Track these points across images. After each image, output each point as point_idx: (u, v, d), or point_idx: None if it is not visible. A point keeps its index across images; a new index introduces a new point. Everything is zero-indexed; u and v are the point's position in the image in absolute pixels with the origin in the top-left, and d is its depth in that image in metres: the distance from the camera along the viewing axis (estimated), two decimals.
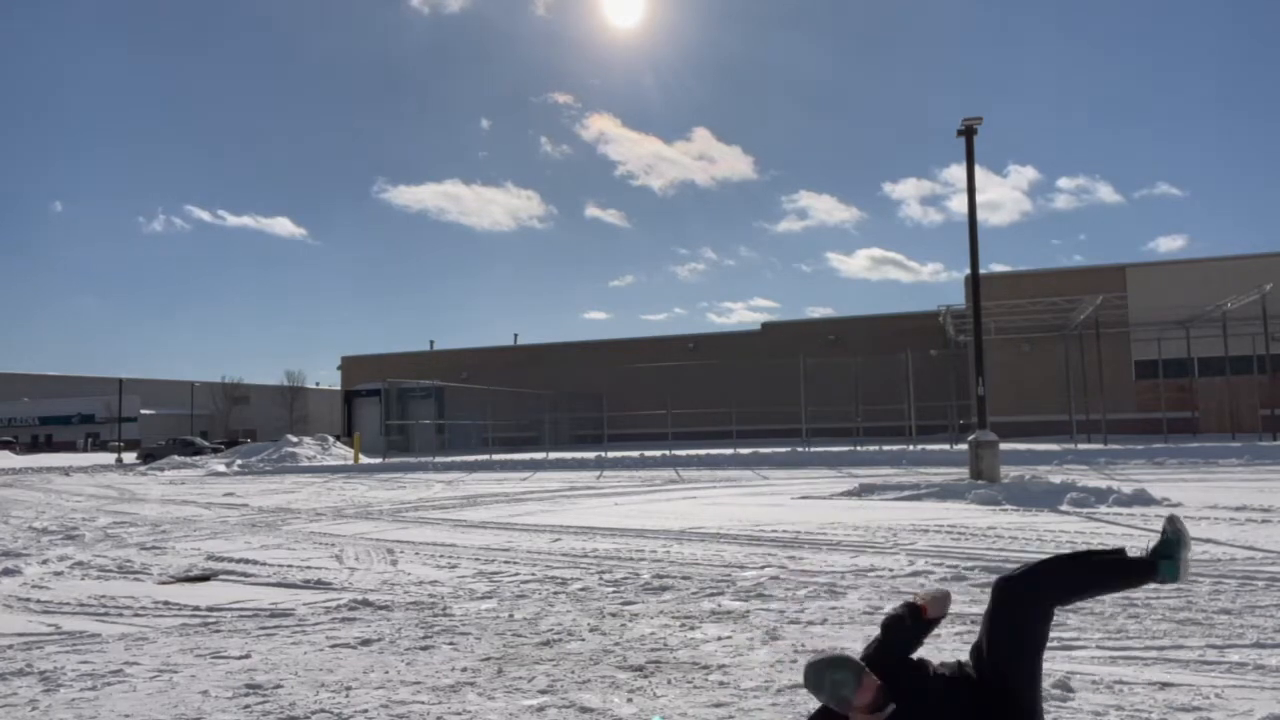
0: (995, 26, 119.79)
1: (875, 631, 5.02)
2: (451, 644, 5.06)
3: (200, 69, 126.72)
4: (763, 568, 7.35)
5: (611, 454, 28.79)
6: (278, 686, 4.28)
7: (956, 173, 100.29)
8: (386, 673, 4.49)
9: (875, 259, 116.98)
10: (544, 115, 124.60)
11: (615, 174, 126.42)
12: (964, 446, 18.88)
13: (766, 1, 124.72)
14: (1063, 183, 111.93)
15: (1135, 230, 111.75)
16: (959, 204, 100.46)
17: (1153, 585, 6.05)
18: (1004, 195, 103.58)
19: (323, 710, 3.89)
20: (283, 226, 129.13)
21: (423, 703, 3.97)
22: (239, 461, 34.00)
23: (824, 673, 2.88)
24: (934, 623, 3.26)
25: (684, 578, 6.99)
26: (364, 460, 31.86)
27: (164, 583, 7.52)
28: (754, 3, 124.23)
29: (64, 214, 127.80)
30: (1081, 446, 25.58)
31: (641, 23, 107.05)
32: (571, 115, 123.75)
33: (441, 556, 8.59)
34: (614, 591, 6.53)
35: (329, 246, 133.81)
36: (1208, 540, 8.20)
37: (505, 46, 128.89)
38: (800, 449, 27.68)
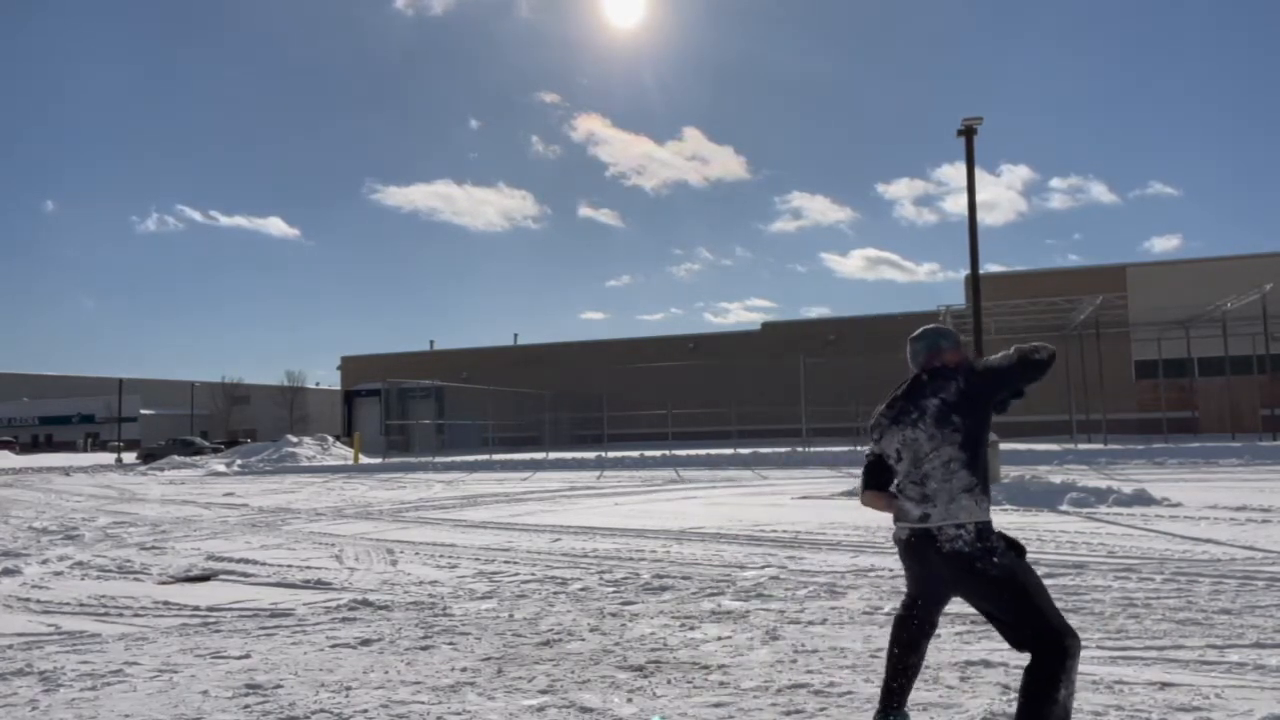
0: (987, 26, 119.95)
1: (875, 631, 5.04)
2: (451, 644, 5.06)
3: (189, 69, 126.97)
4: (763, 568, 7.35)
5: (611, 454, 28.79)
6: (278, 686, 4.28)
7: (950, 172, 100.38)
8: (386, 673, 4.49)
9: (870, 259, 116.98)
10: (533, 115, 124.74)
11: (607, 174, 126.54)
12: None
13: (756, 1, 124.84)
14: (1056, 182, 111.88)
15: (1131, 230, 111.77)
16: (953, 204, 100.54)
17: (1154, 585, 6.08)
18: (998, 195, 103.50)
19: (323, 710, 3.89)
20: (276, 227, 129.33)
21: (423, 703, 3.97)
22: (239, 461, 34.01)
23: (930, 334, 3.42)
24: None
25: (684, 578, 6.99)
26: (364, 460, 31.85)
27: (164, 583, 7.52)
28: (744, 2, 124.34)
29: (56, 213, 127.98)
30: (1081, 446, 25.57)
31: (629, 22, 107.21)
32: (560, 115, 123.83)
33: (441, 556, 8.59)
34: (614, 591, 6.53)
35: (324, 246, 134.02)
36: (1208, 540, 8.21)
37: (490, 48, 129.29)
38: (800, 449, 27.68)
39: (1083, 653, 4.48)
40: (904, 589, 6.26)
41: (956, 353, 3.35)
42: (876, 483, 3.46)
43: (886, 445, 3.36)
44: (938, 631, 5.01)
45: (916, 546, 3.19)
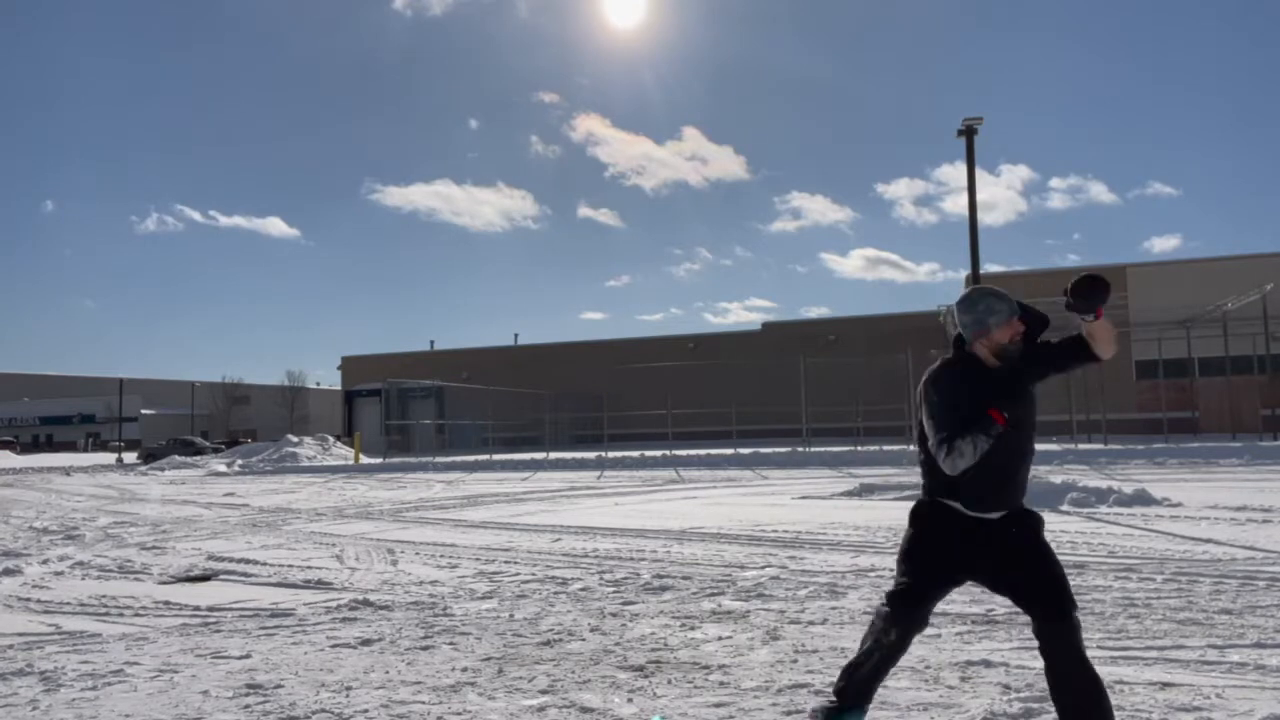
0: (985, 26, 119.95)
1: None
2: (452, 644, 5.06)
3: (186, 70, 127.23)
4: (763, 568, 7.35)
5: (612, 454, 28.79)
6: (278, 686, 4.28)
7: (949, 172, 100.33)
8: (387, 673, 4.49)
9: (870, 259, 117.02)
10: (532, 115, 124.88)
11: (606, 174, 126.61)
12: None
13: (754, 1, 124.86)
14: (1055, 182, 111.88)
15: (1130, 230, 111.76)
16: (953, 204, 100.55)
17: (1154, 585, 6.08)
18: (997, 195, 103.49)
19: (323, 710, 3.89)
20: (276, 227, 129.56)
21: (423, 703, 3.97)
22: (239, 461, 34.00)
23: (982, 299, 3.22)
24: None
25: (684, 578, 6.99)
26: (364, 460, 31.86)
27: (164, 582, 7.52)
28: (743, 2, 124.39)
29: (56, 213, 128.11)
30: (1082, 446, 25.57)
31: (628, 22, 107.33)
32: (559, 115, 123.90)
33: (442, 556, 8.59)
34: (614, 591, 6.53)
35: (323, 246, 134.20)
36: (1208, 540, 8.20)
37: (489, 48, 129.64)
38: (800, 449, 27.66)
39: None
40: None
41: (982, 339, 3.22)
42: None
43: None
44: (938, 632, 5.02)
45: None
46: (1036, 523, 3.21)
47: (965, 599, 5.89)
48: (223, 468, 32.31)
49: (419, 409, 42.78)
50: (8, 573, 8.06)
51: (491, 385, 43.05)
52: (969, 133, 16.68)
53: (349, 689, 4.21)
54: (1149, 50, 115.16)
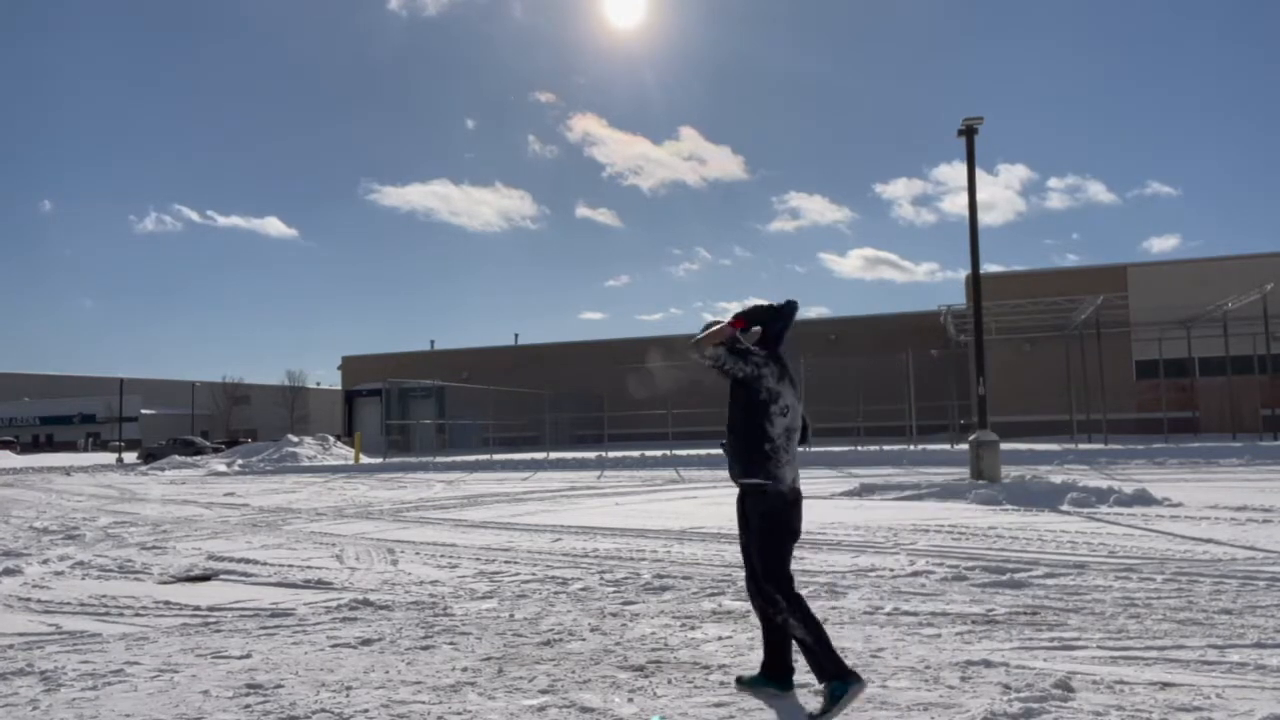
0: (984, 26, 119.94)
1: (875, 631, 5.04)
2: (452, 644, 5.06)
3: (186, 70, 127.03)
4: None
5: (612, 454, 28.79)
6: (278, 686, 4.29)
7: (948, 172, 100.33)
8: (387, 672, 4.49)
9: (869, 259, 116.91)
10: (529, 115, 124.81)
11: (604, 174, 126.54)
12: (965, 446, 18.88)
13: (753, 1, 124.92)
14: (1053, 182, 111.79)
15: (1129, 229, 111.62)
16: (951, 204, 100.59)
17: (1154, 585, 6.08)
18: (996, 195, 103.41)
19: (323, 710, 3.90)
20: (274, 227, 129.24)
21: (423, 702, 3.97)
22: (240, 461, 34.01)
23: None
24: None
25: (685, 577, 7.00)
26: (364, 460, 31.86)
27: (165, 582, 7.52)
28: (740, 2, 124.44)
29: (54, 213, 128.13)
30: (1082, 446, 25.57)
31: (625, 22, 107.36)
32: (556, 115, 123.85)
33: (442, 556, 8.60)
34: (615, 591, 6.53)
35: (322, 247, 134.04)
36: (1209, 540, 8.21)
37: (485, 48, 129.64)
38: (800, 449, 27.62)
39: (1084, 652, 4.51)
40: (904, 589, 6.26)
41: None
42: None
43: (785, 392, 4.18)
44: (938, 632, 5.03)
45: (799, 504, 4.17)
46: (746, 503, 4.25)
47: (965, 599, 5.89)
48: (223, 467, 32.32)
49: (419, 409, 42.78)
50: (8, 573, 8.06)
51: (491, 385, 43.04)
52: (969, 132, 16.67)
53: (349, 689, 4.22)
54: (1149, 50, 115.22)
